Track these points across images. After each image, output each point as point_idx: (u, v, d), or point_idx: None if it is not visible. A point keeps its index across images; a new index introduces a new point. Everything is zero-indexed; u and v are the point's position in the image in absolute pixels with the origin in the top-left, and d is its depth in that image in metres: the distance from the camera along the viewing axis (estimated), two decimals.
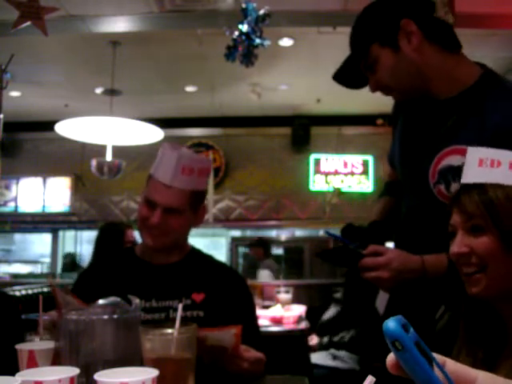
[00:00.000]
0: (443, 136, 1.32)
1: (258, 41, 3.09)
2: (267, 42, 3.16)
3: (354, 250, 1.31)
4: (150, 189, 1.45)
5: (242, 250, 6.88)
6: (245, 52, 3.16)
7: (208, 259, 1.61)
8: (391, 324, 0.44)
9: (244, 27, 3.08)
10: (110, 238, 3.41)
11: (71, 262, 6.74)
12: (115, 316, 1.00)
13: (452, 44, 1.32)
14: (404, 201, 1.50)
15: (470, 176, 1.00)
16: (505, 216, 0.93)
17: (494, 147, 1.11)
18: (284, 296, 3.90)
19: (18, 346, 1.02)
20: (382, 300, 1.49)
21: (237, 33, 3.12)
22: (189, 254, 1.57)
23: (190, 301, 1.44)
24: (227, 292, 1.50)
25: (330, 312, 3.37)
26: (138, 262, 1.54)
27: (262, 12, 3.08)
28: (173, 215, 1.43)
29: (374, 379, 0.48)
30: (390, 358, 0.46)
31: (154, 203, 1.43)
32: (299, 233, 6.94)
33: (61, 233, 7.16)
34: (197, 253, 1.60)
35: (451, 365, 0.48)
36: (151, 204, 1.43)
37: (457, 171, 1.24)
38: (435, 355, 0.47)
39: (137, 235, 3.77)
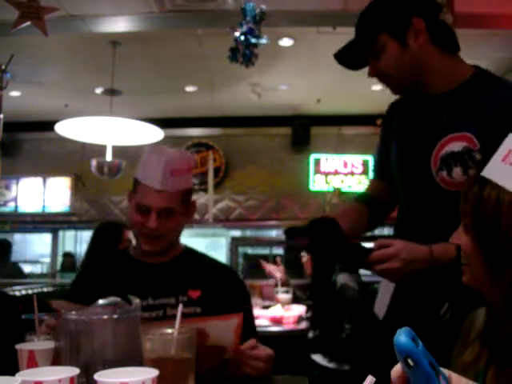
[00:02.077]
0: (444, 125, 1.36)
1: (253, 40, 3.07)
2: (263, 41, 3.13)
3: (359, 246, 1.32)
4: (141, 194, 1.46)
5: (241, 250, 6.88)
6: (245, 52, 3.15)
7: (202, 257, 1.63)
8: (403, 339, 0.42)
9: (243, 27, 3.07)
10: (107, 238, 3.39)
11: (70, 261, 6.74)
12: (115, 316, 1.00)
13: (452, 46, 1.39)
14: (403, 199, 1.52)
15: (487, 168, 0.96)
16: (486, 222, 0.91)
17: (494, 131, 1.17)
18: (284, 296, 3.89)
19: (18, 346, 1.02)
20: (381, 304, 1.49)
21: (237, 33, 3.12)
22: (183, 253, 1.59)
23: (187, 297, 1.45)
24: (223, 288, 1.51)
25: (310, 334, 3.37)
26: (132, 261, 1.56)
27: (258, 11, 3.06)
28: (168, 217, 1.45)
29: (373, 379, 0.48)
30: (397, 371, 0.45)
31: (148, 208, 1.43)
32: None
33: (61, 233, 7.16)
34: (190, 251, 1.62)
35: (455, 379, 0.48)
36: (144, 209, 1.44)
37: (458, 156, 1.31)
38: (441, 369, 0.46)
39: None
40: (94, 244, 3.41)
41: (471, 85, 1.35)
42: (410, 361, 0.42)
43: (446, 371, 0.46)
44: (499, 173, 0.92)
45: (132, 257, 1.57)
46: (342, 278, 3.24)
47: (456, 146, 1.32)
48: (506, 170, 0.91)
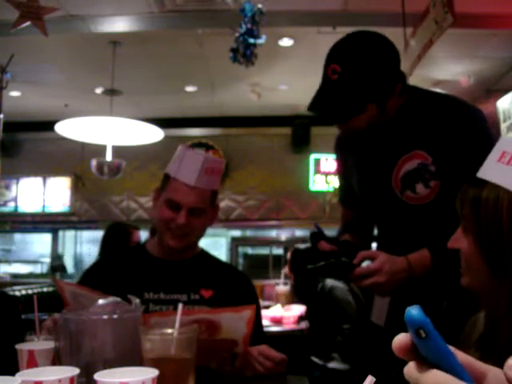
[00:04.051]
0: (394, 151, 1.44)
1: (251, 40, 3.05)
2: (261, 41, 3.11)
3: (343, 262, 1.36)
4: (172, 190, 1.47)
5: (241, 250, 6.87)
6: (245, 52, 3.14)
7: (217, 260, 1.67)
8: (414, 311, 0.43)
9: (242, 27, 3.06)
10: (117, 238, 3.46)
11: (59, 263, 6.70)
12: (115, 316, 1.00)
13: (404, 92, 1.45)
14: (377, 223, 1.63)
15: (483, 170, 0.95)
16: (487, 224, 0.90)
17: (439, 140, 1.32)
18: (282, 288, 3.90)
19: (18, 346, 1.02)
20: (379, 312, 1.51)
21: (237, 34, 3.11)
22: (198, 254, 1.62)
23: (199, 296, 1.47)
24: (235, 291, 1.53)
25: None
26: (147, 257, 1.58)
27: (256, 9, 3.04)
28: (197, 215, 1.47)
29: (373, 379, 0.48)
30: (399, 340, 0.45)
31: (179, 204, 1.45)
32: (299, 233, 6.93)
33: (61, 233, 7.15)
34: (206, 254, 1.65)
35: (462, 356, 0.48)
36: (175, 205, 1.46)
37: (415, 173, 1.40)
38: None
39: (142, 236, 3.79)
40: (105, 244, 3.48)
41: (405, 108, 1.43)
42: (421, 332, 0.42)
43: (451, 347, 0.46)
44: (497, 173, 0.91)
45: (148, 252, 1.59)
46: (330, 281, 3.24)
47: (411, 165, 1.40)
48: (504, 169, 0.90)
